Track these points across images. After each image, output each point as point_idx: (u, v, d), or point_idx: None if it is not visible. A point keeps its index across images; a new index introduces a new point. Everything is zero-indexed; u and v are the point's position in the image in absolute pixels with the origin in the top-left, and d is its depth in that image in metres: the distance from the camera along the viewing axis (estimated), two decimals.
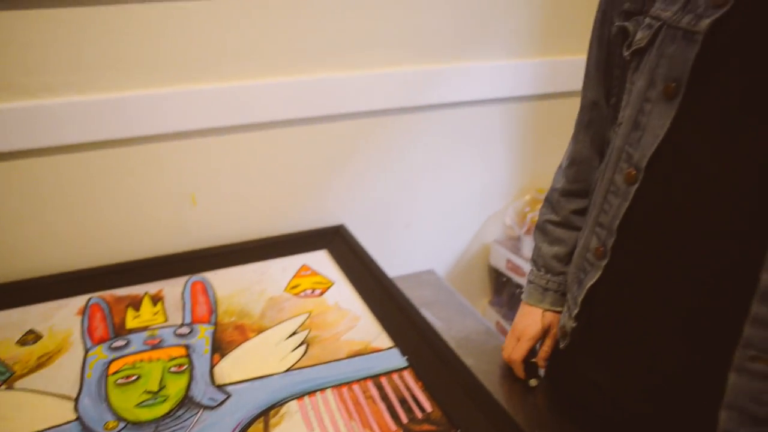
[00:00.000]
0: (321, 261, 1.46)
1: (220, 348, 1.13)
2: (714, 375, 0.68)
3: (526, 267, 1.74)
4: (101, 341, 1.15)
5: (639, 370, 0.82)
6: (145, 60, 1.32)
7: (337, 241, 1.55)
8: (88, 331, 1.18)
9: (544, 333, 1.09)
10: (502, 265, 1.86)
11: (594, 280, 0.86)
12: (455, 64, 1.64)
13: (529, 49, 1.72)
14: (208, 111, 1.41)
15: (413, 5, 1.55)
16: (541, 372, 1.15)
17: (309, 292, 1.33)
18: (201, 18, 1.33)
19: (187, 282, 1.35)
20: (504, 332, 1.60)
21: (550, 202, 1.07)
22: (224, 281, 1.36)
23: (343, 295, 1.32)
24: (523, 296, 1.13)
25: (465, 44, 1.64)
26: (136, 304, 1.27)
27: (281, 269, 1.42)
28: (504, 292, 1.94)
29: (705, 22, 0.66)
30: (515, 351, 1.12)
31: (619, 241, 0.81)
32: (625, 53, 0.82)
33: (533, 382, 1.13)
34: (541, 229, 1.08)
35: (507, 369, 1.17)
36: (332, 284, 1.36)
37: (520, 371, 1.14)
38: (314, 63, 1.49)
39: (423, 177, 1.73)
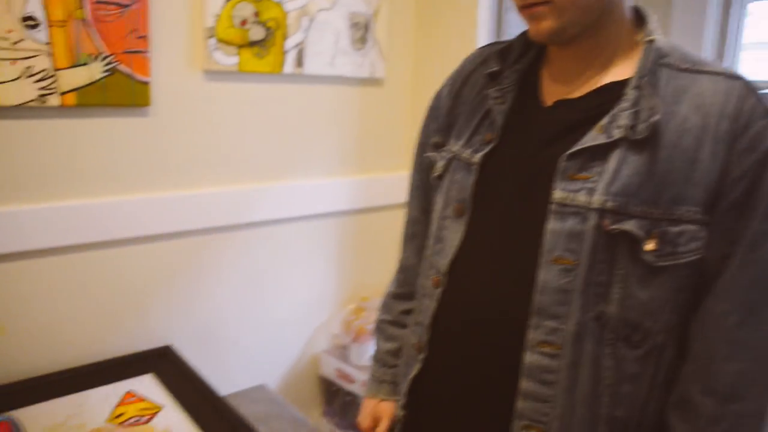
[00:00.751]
0: (147, 385, 1.40)
1: None
2: None
3: (356, 374, 1.80)
4: None
5: None
6: None
7: (164, 363, 1.50)
8: None
9: (380, 421, 1.15)
10: (332, 375, 1.91)
11: (415, 372, 0.96)
12: (278, 183, 1.74)
13: (347, 168, 1.89)
14: (14, 233, 1.34)
15: (234, 126, 1.64)
16: None
17: (135, 419, 1.26)
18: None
19: None
20: None
21: (385, 304, 1.18)
22: (35, 419, 1.24)
23: (173, 419, 1.27)
24: (364, 392, 1.19)
25: (287, 164, 1.75)
26: None
27: (103, 398, 1.33)
28: (336, 401, 1.97)
29: (478, 156, 0.89)
30: None
31: (432, 337, 0.93)
32: (432, 179, 1.00)
33: None
34: (378, 329, 1.18)
35: None
36: (160, 409, 1.30)
37: None
38: (133, 183, 1.50)
39: (249, 293, 1.76)
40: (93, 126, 1.42)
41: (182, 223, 1.58)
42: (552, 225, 0.79)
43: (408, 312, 1.12)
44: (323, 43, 1.76)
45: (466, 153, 0.91)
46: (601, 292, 0.77)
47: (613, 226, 0.76)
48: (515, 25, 1.78)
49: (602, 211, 0.76)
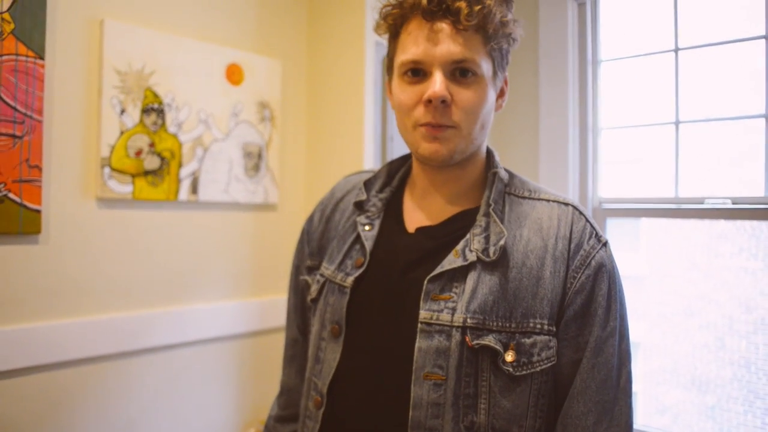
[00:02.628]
0: None
1: None
2: None
3: None
4: None
5: None
6: None
7: None
8: None
9: None
10: None
11: None
12: (172, 307, 1.73)
13: (242, 291, 1.91)
14: None
15: (128, 252, 1.65)
16: None
17: None
18: None
19: None
20: None
21: (267, 428, 1.18)
22: None
23: None
24: None
25: (182, 288, 1.75)
26: None
27: None
28: None
29: (350, 279, 0.96)
30: None
31: None
32: (308, 301, 1.05)
33: None
34: None
35: None
36: None
37: None
38: (21, 311, 1.45)
39: (144, 422, 1.67)
40: None
41: (73, 352, 1.52)
42: (420, 343, 0.86)
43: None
44: (217, 171, 1.84)
45: (339, 276, 0.97)
46: (469, 403, 0.84)
47: (475, 342, 0.84)
48: (397, 153, 1.96)
49: (464, 328, 0.84)
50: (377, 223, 0.99)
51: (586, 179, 1.99)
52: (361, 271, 0.95)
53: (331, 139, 2.03)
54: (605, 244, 0.90)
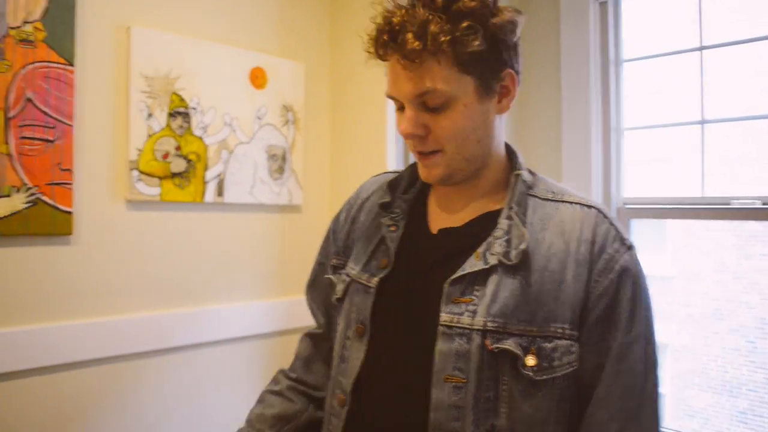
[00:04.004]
0: None
1: None
2: None
3: None
4: None
5: None
6: None
7: None
8: None
9: None
10: None
11: None
12: (199, 307, 1.76)
13: (268, 291, 1.93)
14: None
15: (156, 253, 1.68)
16: None
17: None
18: None
19: None
20: None
21: (274, 378, 1.17)
22: None
23: None
24: None
25: (209, 288, 1.79)
26: None
27: None
28: None
29: (375, 280, 0.96)
30: None
31: None
32: (333, 300, 1.06)
33: None
34: (259, 397, 1.15)
35: None
36: None
37: None
38: (55, 310, 1.49)
39: (173, 419, 1.71)
40: (14, 254, 1.43)
41: (105, 350, 1.56)
42: (440, 345, 0.86)
43: (293, 389, 1.12)
44: (242, 173, 1.87)
45: (365, 277, 0.98)
46: (490, 407, 0.83)
47: (495, 345, 0.83)
48: None
49: (484, 332, 0.84)
50: (402, 224, 1.00)
51: (609, 180, 1.98)
52: (386, 272, 0.96)
53: (354, 141, 2.05)
54: (630, 247, 0.89)
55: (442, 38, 0.82)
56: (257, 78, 1.91)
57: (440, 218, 0.98)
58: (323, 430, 1.03)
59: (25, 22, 1.43)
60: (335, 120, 2.13)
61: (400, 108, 0.91)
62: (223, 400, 1.83)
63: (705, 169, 1.82)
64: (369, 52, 0.92)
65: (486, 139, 0.92)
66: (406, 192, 1.04)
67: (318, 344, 1.16)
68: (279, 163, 1.97)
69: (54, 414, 1.49)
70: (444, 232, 0.96)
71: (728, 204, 1.75)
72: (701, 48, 1.82)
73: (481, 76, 0.87)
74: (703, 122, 1.83)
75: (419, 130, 0.88)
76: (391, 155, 1.95)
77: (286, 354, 1.97)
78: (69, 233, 1.51)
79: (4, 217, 1.41)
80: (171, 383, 1.71)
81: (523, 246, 0.86)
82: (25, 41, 1.43)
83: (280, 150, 1.97)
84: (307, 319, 1.99)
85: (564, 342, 0.84)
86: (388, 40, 0.86)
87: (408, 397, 0.89)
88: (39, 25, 1.45)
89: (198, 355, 1.76)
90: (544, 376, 0.83)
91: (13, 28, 1.42)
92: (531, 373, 0.83)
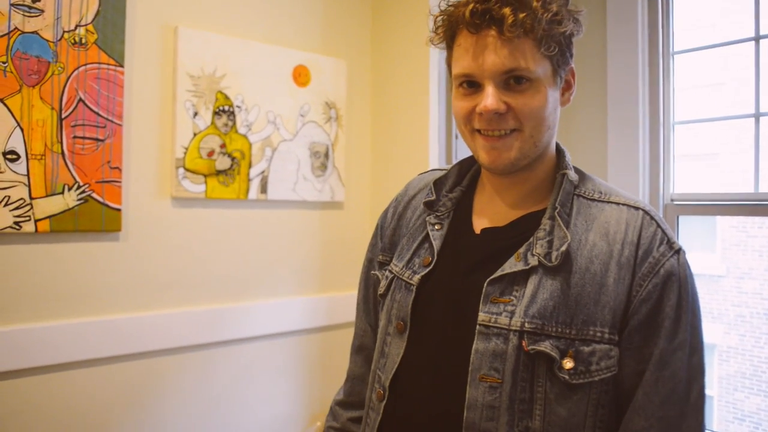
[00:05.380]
0: None
1: None
2: None
3: None
4: None
5: None
6: None
7: None
8: None
9: None
10: None
11: None
12: (243, 303, 1.78)
13: (310, 287, 1.95)
14: None
15: (201, 249, 1.71)
16: None
17: None
18: None
19: None
20: None
21: (332, 411, 1.20)
22: None
23: None
24: None
25: (252, 284, 1.81)
26: None
27: None
28: None
29: (416, 277, 0.96)
30: None
31: None
32: (378, 296, 1.06)
33: None
34: None
35: None
36: None
37: None
38: (103, 305, 1.53)
39: (215, 412, 1.74)
40: (66, 250, 1.48)
41: (150, 344, 1.60)
42: (477, 345, 0.85)
43: (354, 420, 1.15)
44: (285, 171, 1.89)
45: (407, 274, 0.98)
46: (525, 408, 0.82)
47: (531, 347, 0.82)
48: (462, 151, 1.96)
49: (521, 333, 0.83)
50: (446, 223, 0.99)
51: (657, 175, 1.93)
52: (427, 270, 0.96)
53: (396, 138, 2.05)
54: (678, 251, 0.86)
55: (543, 15, 0.83)
56: (300, 76, 1.92)
57: (485, 218, 0.97)
58: (362, 424, 1.04)
59: (78, 26, 1.47)
60: (377, 117, 2.13)
61: (470, 87, 0.88)
62: (264, 394, 1.85)
63: (760, 164, 1.75)
64: (437, 32, 0.91)
65: (553, 128, 0.91)
66: (452, 190, 1.03)
67: (369, 361, 1.15)
68: (321, 160, 1.98)
69: (100, 404, 1.54)
70: (487, 231, 0.95)
71: None
72: (757, 38, 1.76)
73: (557, 63, 0.87)
74: (758, 115, 1.76)
75: (502, 106, 0.86)
76: (434, 152, 1.94)
77: (326, 350, 1.99)
78: (118, 230, 1.55)
79: (57, 214, 1.45)
80: (214, 377, 1.74)
81: (564, 248, 0.85)
82: (77, 44, 1.48)
83: (323, 147, 1.98)
84: (347, 315, 2.01)
85: (603, 346, 0.83)
86: (483, 12, 0.84)
87: (444, 394, 0.89)
88: (91, 27, 1.49)
89: (240, 350, 1.79)
90: (581, 380, 0.82)
91: (67, 31, 1.46)
92: (567, 377, 0.81)
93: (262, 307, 1.83)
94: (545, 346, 0.82)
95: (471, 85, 0.88)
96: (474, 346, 0.85)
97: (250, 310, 1.80)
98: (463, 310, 0.89)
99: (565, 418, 0.82)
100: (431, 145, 1.94)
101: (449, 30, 0.90)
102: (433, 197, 1.01)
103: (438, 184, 1.03)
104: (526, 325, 0.83)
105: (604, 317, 0.83)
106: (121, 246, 1.57)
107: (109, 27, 1.52)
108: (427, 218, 1.01)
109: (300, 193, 1.93)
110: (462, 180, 1.04)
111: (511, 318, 0.84)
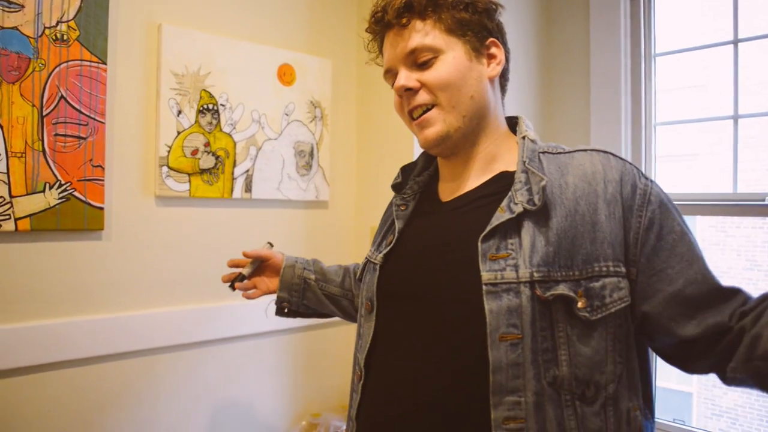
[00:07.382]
0: None
1: None
2: None
3: None
4: None
5: None
6: None
7: None
8: None
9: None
10: None
11: None
12: (227, 302, 1.77)
13: None
14: None
15: (185, 248, 1.70)
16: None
17: None
18: None
19: None
20: None
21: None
22: None
23: None
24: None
25: None
26: None
27: None
28: None
29: (379, 256, 1.01)
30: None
31: (359, 430, 0.97)
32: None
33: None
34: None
35: None
36: None
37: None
38: (86, 304, 1.51)
39: (200, 411, 1.73)
40: (47, 249, 1.46)
41: (135, 343, 1.58)
42: (489, 305, 0.83)
43: (347, 271, 1.34)
44: (270, 170, 1.88)
45: (375, 256, 1.03)
46: (549, 357, 0.82)
47: (548, 293, 0.82)
48: None
49: (532, 283, 0.83)
50: (412, 204, 1.04)
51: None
52: (389, 248, 1.00)
53: (381, 137, 2.05)
54: (652, 180, 0.91)
55: (425, 1, 0.94)
56: (285, 74, 1.92)
57: (450, 189, 1.00)
58: (349, 407, 1.05)
59: (60, 22, 1.46)
60: (362, 116, 2.13)
61: (394, 79, 0.98)
62: (250, 393, 1.84)
63: (738, 165, 1.78)
64: (369, 50, 1.05)
65: (480, 98, 0.95)
66: (420, 175, 1.08)
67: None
68: (306, 159, 1.97)
69: (84, 405, 1.52)
70: (456, 198, 0.98)
71: (762, 200, 1.72)
72: (736, 41, 1.79)
73: (468, 41, 0.95)
74: (736, 117, 1.79)
75: (411, 82, 0.94)
76: (418, 150, 1.94)
77: (312, 349, 1.99)
78: (101, 228, 1.53)
79: (38, 212, 1.43)
80: (199, 377, 1.73)
81: (542, 184, 0.87)
82: (59, 40, 1.46)
83: (308, 146, 1.98)
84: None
85: (611, 279, 0.84)
86: (381, 17, 0.97)
87: (418, 361, 0.89)
88: (73, 24, 1.48)
89: (226, 350, 1.78)
90: (599, 315, 0.83)
91: (48, 27, 1.44)
92: (587, 314, 0.82)
93: (247, 306, 1.81)
94: (561, 289, 0.82)
95: (394, 77, 0.98)
96: (486, 307, 0.83)
97: (235, 309, 1.79)
98: (435, 274, 0.91)
99: (589, 356, 0.83)
100: (416, 143, 1.94)
101: (379, 45, 1.03)
102: (400, 180, 1.07)
103: (406, 169, 1.08)
104: (535, 274, 0.83)
105: (605, 252, 0.85)
106: (104, 245, 1.55)
107: (92, 23, 1.50)
108: (394, 200, 1.07)
109: (285, 192, 1.92)
110: (429, 166, 1.09)
111: (517, 271, 0.84)
